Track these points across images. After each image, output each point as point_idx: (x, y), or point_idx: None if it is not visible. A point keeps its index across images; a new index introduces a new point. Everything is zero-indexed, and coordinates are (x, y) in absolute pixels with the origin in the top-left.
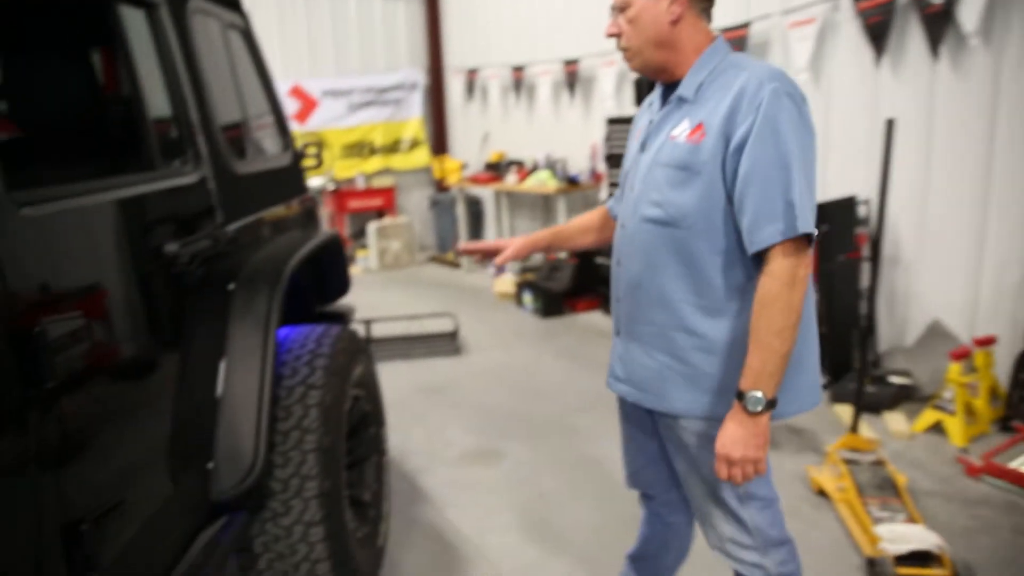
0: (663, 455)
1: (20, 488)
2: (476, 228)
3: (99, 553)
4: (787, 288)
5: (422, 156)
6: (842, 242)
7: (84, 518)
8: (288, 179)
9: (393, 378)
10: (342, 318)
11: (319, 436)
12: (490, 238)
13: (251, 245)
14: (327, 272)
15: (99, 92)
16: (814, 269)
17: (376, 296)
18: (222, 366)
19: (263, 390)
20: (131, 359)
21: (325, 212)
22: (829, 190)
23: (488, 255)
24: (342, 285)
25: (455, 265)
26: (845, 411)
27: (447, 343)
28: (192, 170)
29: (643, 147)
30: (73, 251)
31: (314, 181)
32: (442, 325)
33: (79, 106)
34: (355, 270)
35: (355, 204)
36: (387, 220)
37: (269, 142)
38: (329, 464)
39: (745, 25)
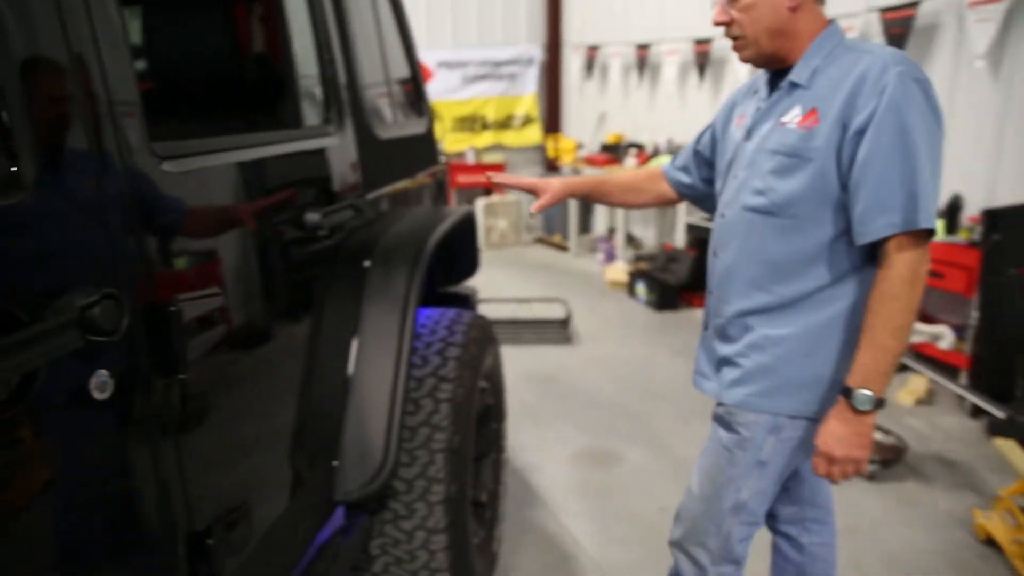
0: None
1: (153, 488)
2: (586, 211)
3: (222, 563)
4: (907, 286)
5: (534, 133)
6: (1017, 254)
7: (212, 525)
8: (424, 148)
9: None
10: (467, 301)
11: (449, 435)
12: (600, 224)
13: (388, 218)
14: (457, 250)
15: (244, 46)
16: (979, 281)
17: (481, 275)
18: (353, 353)
19: (397, 381)
20: (262, 339)
21: None
22: (1003, 195)
23: (523, 190)
24: (471, 265)
25: (562, 248)
26: (1010, 447)
27: (558, 330)
28: (336, 131)
29: (748, 135)
30: (211, 211)
31: None
32: (553, 311)
33: (221, 59)
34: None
35: (464, 179)
36: (495, 197)
37: (408, 108)
38: (457, 467)
39: (913, 4)
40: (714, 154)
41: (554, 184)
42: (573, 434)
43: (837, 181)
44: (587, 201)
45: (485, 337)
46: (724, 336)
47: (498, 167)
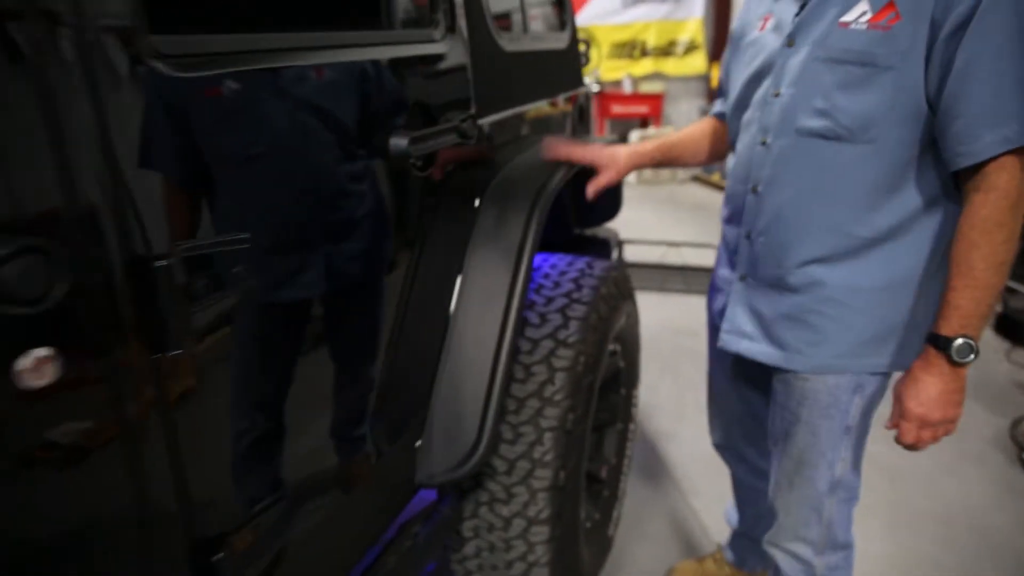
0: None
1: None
2: None
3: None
4: (1013, 211)
5: (698, 62)
6: None
7: (224, 535)
8: (563, 67)
9: (642, 310)
10: (605, 247)
11: (563, 412)
12: None
13: (508, 148)
14: None
15: None
16: None
17: (629, 214)
18: (452, 309)
19: (502, 345)
20: (342, 289)
21: None
22: None
23: (583, 164)
24: (612, 205)
25: (721, 188)
26: None
27: (708, 279)
28: (443, 36)
29: (791, 40)
30: (275, 123)
31: None
32: (704, 258)
33: None
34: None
35: (618, 109)
36: (651, 130)
37: (547, 17)
38: (569, 450)
39: None
40: (730, 67)
41: (620, 157)
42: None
43: (923, 92)
44: (658, 167)
45: (620, 293)
46: (782, 287)
47: (656, 98)
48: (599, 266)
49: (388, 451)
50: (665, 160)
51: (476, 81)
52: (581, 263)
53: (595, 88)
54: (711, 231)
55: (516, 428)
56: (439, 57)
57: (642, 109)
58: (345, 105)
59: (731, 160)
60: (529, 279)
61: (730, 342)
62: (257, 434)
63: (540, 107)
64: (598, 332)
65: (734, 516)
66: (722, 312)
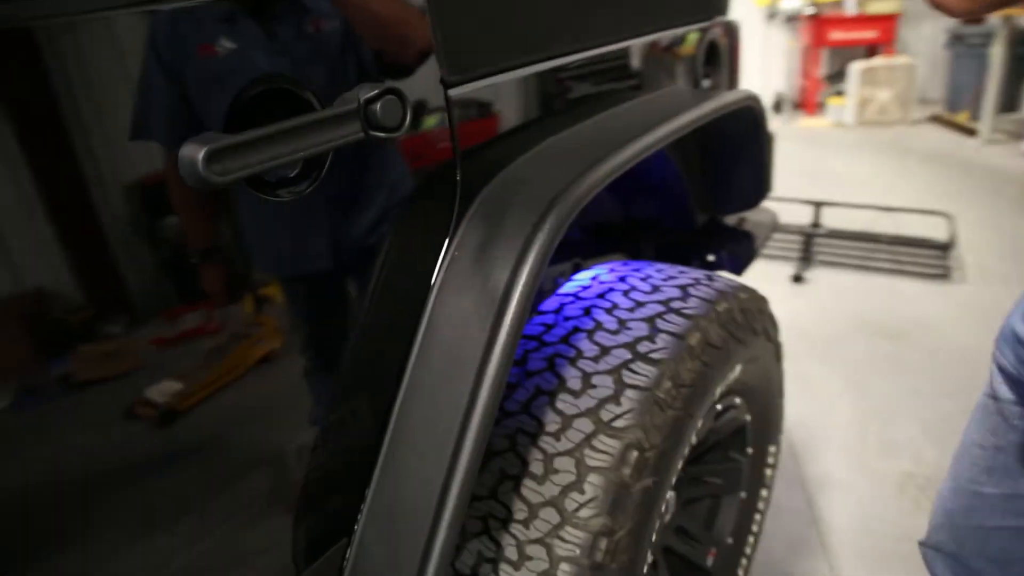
0: None
1: None
2: (1015, 81)
3: None
4: None
5: None
6: None
7: None
8: None
9: (831, 297)
10: (747, 245)
11: (590, 539)
12: None
13: (530, 130)
14: (730, 162)
15: None
16: None
17: (840, 162)
18: (405, 379)
19: (464, 437)
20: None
21: (795, 44)
22: None
23: None
24: (756, 185)
25: (968, 131)
26: None
27: (931, 258)
28: None
29: None
30: None
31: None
32: (929, 227)
33: None
34: (822, 122)
35: (837, 35)
36: (878, 60)
37: None
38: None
39: None
40: None
41: None
42: (916, 435)
43: None
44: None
45: (738, 332)
46: None
47: (888, 20)
48: (699, 299)
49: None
50: None
51: (445, 14)
52: (672, 285)
53: (809, 10)
54: (945, 191)
55: (522, 548)
56: None
57: (869, 34)
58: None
59: None
60: (516, 334)
61: None
62: None
63: (612, 48)
64: (685, 405)
65: None
66: None
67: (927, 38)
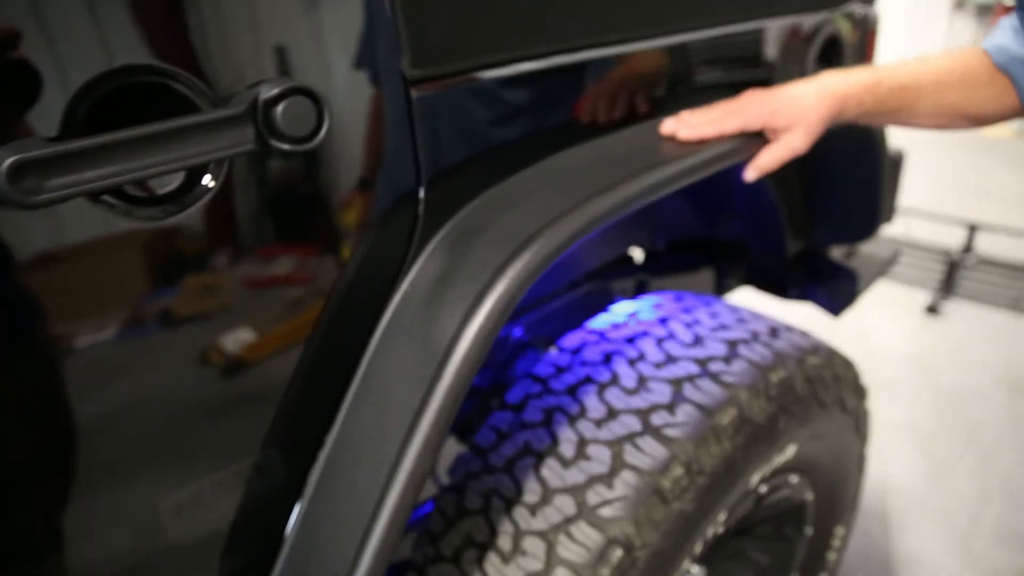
0: None
1: None
2: None
3: None
4: None
5: None
6: None
7: None
8: None
9: (969, 338)
10: (849, 283)
11: None
12: None
13: (522, 148)
14: (831, 183)
15: None
16: None
17: (1016, 180)
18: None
19: (381, 508)
20: None
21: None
22: None
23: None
24: (868, 215)
25: None
26: None
27: None
28: None
29: None
30: None
31: None
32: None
33: None
34: (1003, 131)
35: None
36: None
37: None
38: None
39: None
40: None
41: (804, 104)
42: (1001, 497)
43: None
44: (874, 123)
45: (796, 406)
46: None
47: None
48: (761, 351)
49: None
50: (884, 111)
51: None
52: (720, 339)
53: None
54: None
55: None
56: None
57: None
58: None
59: None
60: (454, 401)
61: None
62: None
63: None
64: (696, 497)
65: None
66: None
67: None
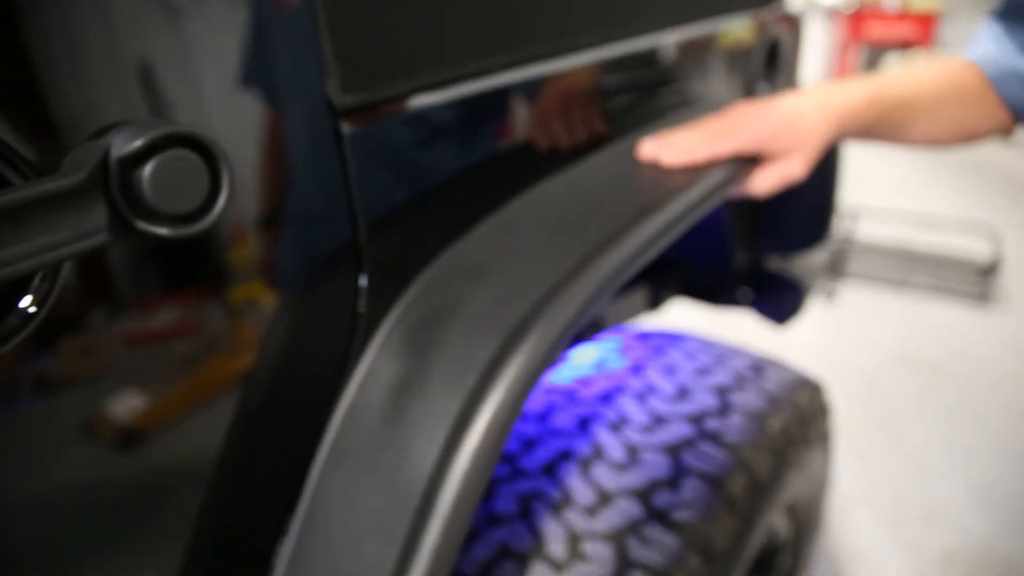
0: None
1: None
2: None
3: None
4: None
5: None
6: None
7: None
8: None
9: (862, 324)
10: (793, 294)
11: None
12: None
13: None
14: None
15: None
16: None
17: (874, 168)
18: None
19: None
20: None
21: (830, 41)
22: None
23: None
24: (817, 220)
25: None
26: None
27: (972, 279)
28: None
29: None
30: None
31: None
32: (970, 244)
33: None
34: None
35: (876, 32)
36: (918, 53)
37: None
38: None
39: None
40: None
41: (806, 128)
42: (960, 500)
43: None
44: (871, 141)
45: (792, 451)
46: None
47: (926, 19)
48: (752, 399)
49: None
50: (885, 126)
51: None
52: (707, 387)
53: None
54: (995, 204)
55: None
56: None
57: (904, 31)
58: None
59: None
60: (450, 564)
61: None
62: None
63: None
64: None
65: None
66: None
67: (971, 34)
